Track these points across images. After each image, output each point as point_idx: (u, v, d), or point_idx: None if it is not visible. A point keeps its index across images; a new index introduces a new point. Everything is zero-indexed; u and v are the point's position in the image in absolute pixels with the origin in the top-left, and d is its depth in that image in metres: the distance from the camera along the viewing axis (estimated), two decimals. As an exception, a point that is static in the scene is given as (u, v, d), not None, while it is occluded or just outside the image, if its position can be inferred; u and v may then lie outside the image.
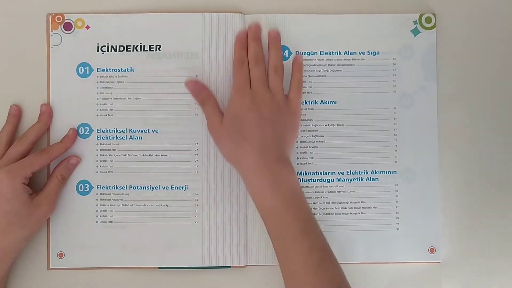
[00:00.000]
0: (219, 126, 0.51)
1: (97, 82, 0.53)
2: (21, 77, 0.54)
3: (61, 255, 0.53)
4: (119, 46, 0.54)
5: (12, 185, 0.48)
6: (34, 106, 0.53)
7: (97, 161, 0.53)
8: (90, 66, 0.53)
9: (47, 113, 0.53)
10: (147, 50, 0.54)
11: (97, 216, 0.53)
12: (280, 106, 0.51)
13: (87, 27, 0.53)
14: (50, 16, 0.53)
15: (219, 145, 0.52)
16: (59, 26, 0.53)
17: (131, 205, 0.53)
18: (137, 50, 0.53)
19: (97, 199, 0.53)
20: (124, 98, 0.53)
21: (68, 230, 0.53)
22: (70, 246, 0.53)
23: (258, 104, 0.50)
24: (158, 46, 0.54)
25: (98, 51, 0.54)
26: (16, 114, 0.53)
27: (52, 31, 0.53)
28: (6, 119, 0.53)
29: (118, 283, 0.54)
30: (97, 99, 0.53)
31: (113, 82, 0.53)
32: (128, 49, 0.54)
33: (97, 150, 0.53)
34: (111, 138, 0.53)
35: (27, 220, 0.49)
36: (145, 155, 0.53)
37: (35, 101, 0.53)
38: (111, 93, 0.53)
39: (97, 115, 0.53)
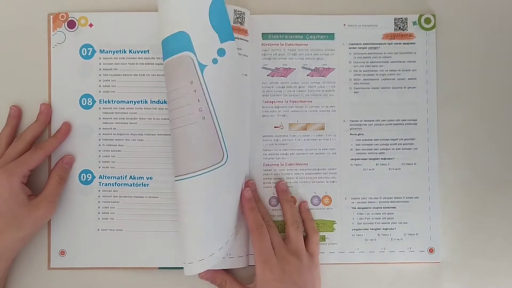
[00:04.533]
0: None
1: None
2: (22, 77, 0.54)
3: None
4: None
5: (10, 185, 0.48)
6: (34, 106, 0.53)
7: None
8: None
9: (45, 112, 0.53)
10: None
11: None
12: (308, 266, 0.50)
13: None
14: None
15: None
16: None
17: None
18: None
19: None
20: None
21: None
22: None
23: (290, 275, 0.49)
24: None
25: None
26: (16, 115, 0.53)
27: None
28: (6, 120, 0.53)
29: (118, 284, 0.53)
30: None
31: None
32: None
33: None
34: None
35: (24, 221, 0.48)
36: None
37: (36, 101, 0.53)
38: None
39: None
